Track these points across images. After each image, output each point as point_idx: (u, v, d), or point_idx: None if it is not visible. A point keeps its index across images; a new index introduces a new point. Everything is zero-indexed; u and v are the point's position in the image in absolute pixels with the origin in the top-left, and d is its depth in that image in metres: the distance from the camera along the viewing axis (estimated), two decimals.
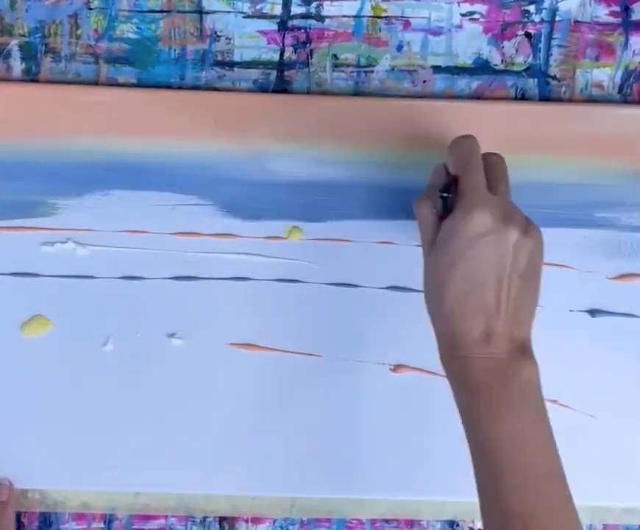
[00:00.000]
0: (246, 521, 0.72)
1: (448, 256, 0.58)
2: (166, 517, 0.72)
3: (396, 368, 0.70)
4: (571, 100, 0.70)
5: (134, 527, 0.72)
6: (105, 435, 0.69)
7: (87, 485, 0.70)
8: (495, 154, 0.62)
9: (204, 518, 0.72)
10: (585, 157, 0.69)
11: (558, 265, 0.70)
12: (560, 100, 0.70)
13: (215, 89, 0.70)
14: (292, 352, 0.69)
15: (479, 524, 0.72)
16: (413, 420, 0.70)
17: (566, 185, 0.69)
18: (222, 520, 0.72)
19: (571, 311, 0.70)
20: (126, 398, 0.69)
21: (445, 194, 0.61)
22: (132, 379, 0.69)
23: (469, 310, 0.57)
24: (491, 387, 0.57)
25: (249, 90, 0.70)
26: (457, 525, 0.72)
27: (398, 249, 0.69)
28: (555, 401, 0.70)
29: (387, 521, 0.72)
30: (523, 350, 0.58)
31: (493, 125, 0.69)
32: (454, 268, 0.57)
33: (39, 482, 0.70)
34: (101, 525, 0.72)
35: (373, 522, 0.72)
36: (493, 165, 0.61)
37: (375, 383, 0.70)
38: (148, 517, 0.72)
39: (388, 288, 0.70)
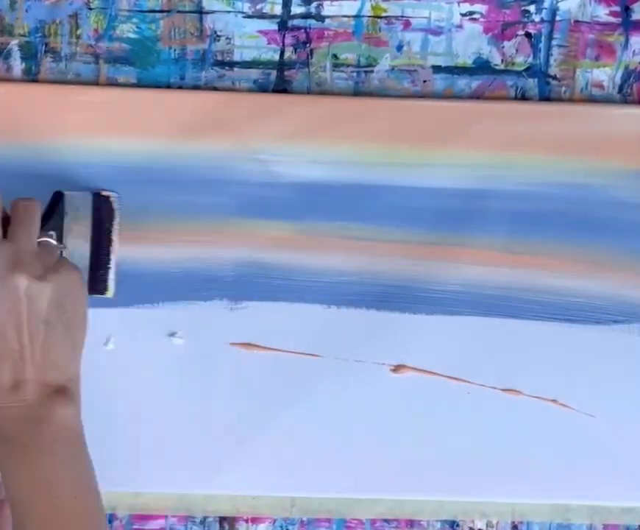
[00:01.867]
0: (246, 521, 0.72)
1: None
2: (166, 517, 0.72)
3: (397, 368, 0.70)
4: (571, 100, 0.70)
5: (134, 527, 0.72)
6: (105, 435, 0.69)
7: None
8: (27, 199, 0.61)
9: (204, 518, 0.72)
10: (585, 157, 0.69)
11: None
12: (560, 100, 0.70)
13: (215, 89, 0.70)
14: (292, 352, 0.69)
15: (479, 524, 0.72)
16: (412, 421, 0.70)
17: (566, 186, 0.69)
18: (222, 520, 0.72)
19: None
20: (127, 398, 0.69)
21: None
22: (133, 378, 0.69)
23: None
24: (19, 435, 0.56)
25: (249, 90, 0.70)
26: (457, 525, 0.72)
27: (396, 248, 0.70)
28: (554, 401, 0.70)
29: (387, 521, 0.72)
30: (59, 395, 0.57)
31: (492, 125, 0.69)
32: None
33: None
34: None
35: (373, 522, 0.72)
36: (16, 210, 0.60)
37: (375, 383, 0.70)
38: (148, 517, 0.72)
39: (388, 286, 0.70)
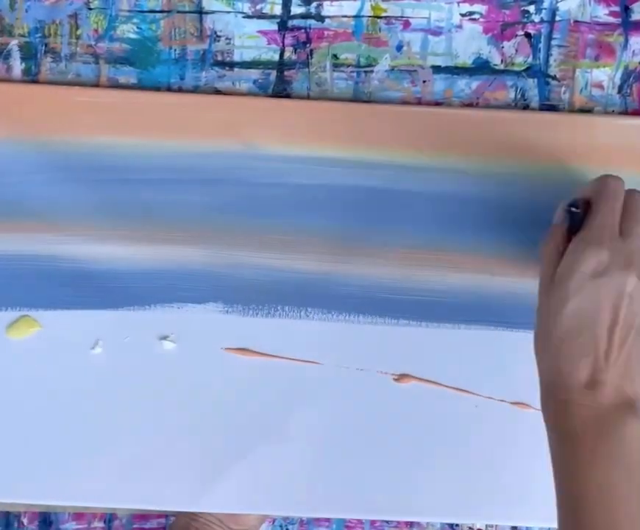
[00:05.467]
0: None
1: (563, 292, 0.56)
2: (166, 516, 0.72)
3: (400, 378, 0.68)
4: (570, 101, 0.70)
5: (135, 526, 0.73)
6: (90, 446, 0.67)
7: (65, 499, 0.67)
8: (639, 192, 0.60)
9: None
10: (589, 166, 0.68)
11: None
12: (559, 100, 0.70)
13: (216, 89, 0.70)
14: (291, 358, 0.69)
15: (478, 524, 0.72)
16: (416, 433, 0.68)
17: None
18: None
19: None
20: (114, 405, 0.68)
21: (573, 209, 0.59)
22: (121, 385, 0.68)
23: (576, 350, 0.56)
24: (588, 436, 0.54)
25: (249, 91, 0.70)
26: (457, 525, 0.72)
27: (400, 255, 0.69)
28: None
29: (387, 521, 0.72)
30: (630, 407, 0.55)
31: (491, 132, 0.68)
32: (566, 304, 0.56)
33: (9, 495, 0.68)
34: (101, 524, 0.72)
35: (373, 521, 0.72)
36: (632, 204, 0.59)
37: (377, 393, 0.68)
38: (148, 516, 0.72)
39: (392, 292, 0.69)
